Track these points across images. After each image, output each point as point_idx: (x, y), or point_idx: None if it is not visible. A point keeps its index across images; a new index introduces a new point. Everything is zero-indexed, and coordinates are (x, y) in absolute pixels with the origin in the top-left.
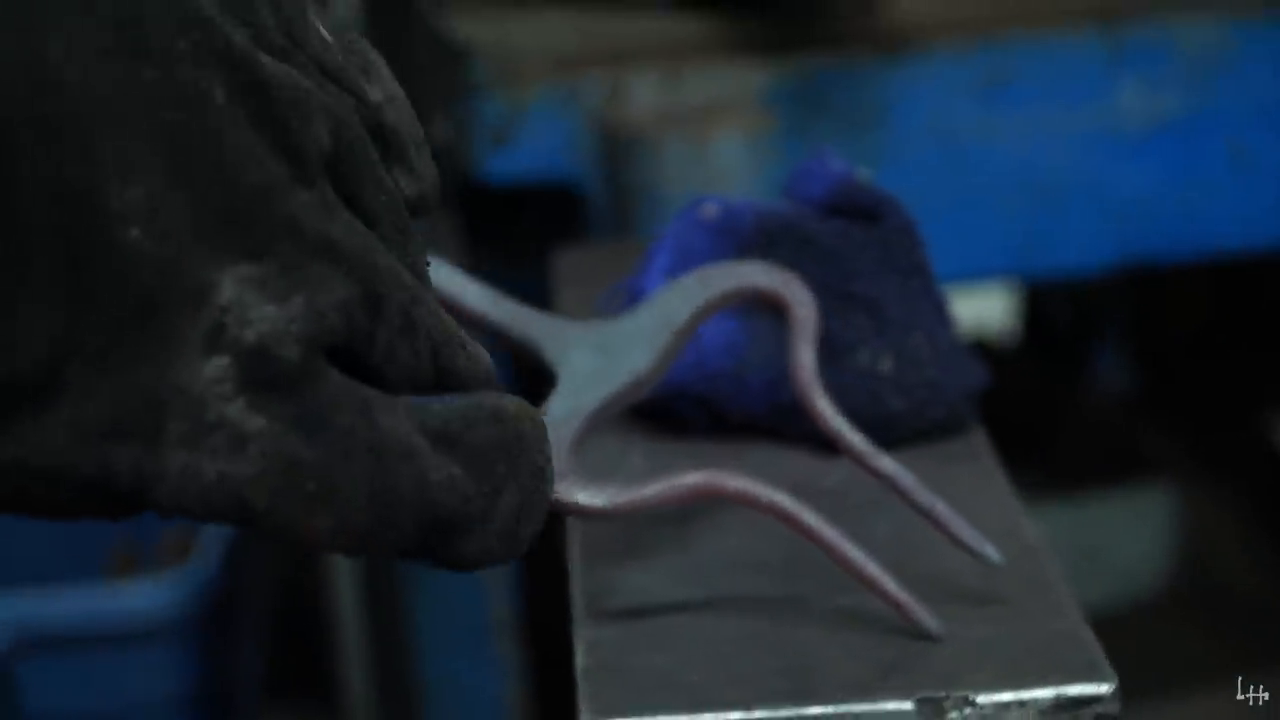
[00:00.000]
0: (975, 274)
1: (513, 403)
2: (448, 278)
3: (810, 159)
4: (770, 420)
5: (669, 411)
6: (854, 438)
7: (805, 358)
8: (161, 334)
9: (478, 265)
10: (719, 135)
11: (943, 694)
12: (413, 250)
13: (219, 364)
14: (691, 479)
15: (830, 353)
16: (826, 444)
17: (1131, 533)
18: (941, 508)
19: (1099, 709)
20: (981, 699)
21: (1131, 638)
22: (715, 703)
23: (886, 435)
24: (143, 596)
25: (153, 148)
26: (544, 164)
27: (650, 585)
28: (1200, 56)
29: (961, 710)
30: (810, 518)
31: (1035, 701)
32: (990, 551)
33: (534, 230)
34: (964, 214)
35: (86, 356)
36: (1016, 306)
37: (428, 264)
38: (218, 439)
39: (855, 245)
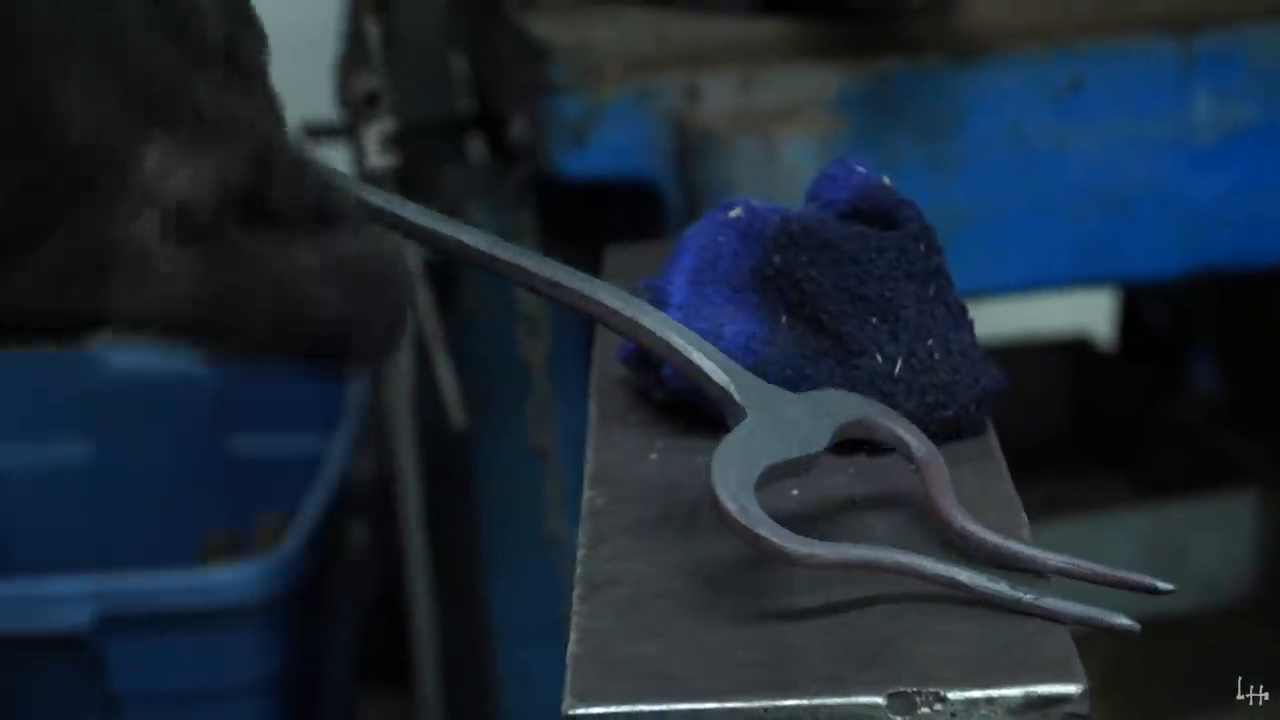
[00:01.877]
0: (1047, 280)
1: (381, 243)
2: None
3: (835, 164)
4: None
5: (691, 408)
6: (991, 537)
7: (955, 516)
8: (102, 197)
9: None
10: (788, 137)
11: (914, 690)
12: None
13: (150, 219)
14: (883, 554)
15: (844, 354)
16: (838, 446)
17: (1217, 538)
18: (1083, 565)
19: (1068, 709)
20: (952, 695)
21: (1213, 642)
22: (694, 693)
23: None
24: (230, 579)
25: (84, 53)
26: (620, 163)
27: (651, 577)
28: (1274, 66)
29: (932, 706)
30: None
31: (1004, 699)
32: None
33: (614, 227)
34: (1036, 221)
35: (45, 221)
36: (1116, 311)
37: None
38: (154, 276)
39: (872, 249)
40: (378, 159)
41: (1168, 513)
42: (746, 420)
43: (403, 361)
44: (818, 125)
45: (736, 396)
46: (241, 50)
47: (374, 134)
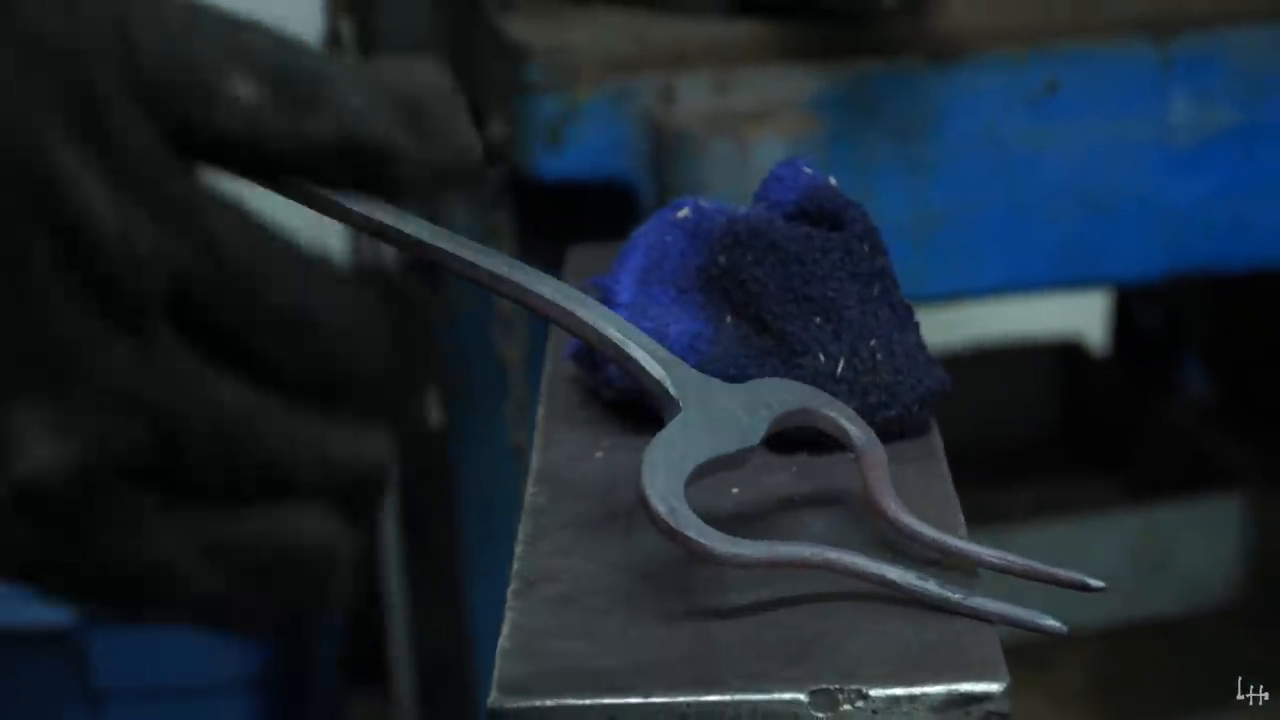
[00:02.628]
0: (1026, 282)
1: (315, 532)
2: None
3: (783, 165)
4: None
5: (636, 406)
6: (926, 530)
7: (889, 503)
8: None
9: (529, 262)
10: (760, 138)
11: (836, 686)
12: (317, 345)
13: None
14: (810, 551)
15: (787, 353)
16: (778, 444)
17: (1204, 539)
18: (1017, 561)
19: (989, 706)
20: (874, 692)
21: (1200, 644)
22: (618, 688)
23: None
24: None
25: None
26: (596, 163)
27: (587, 574)
28: (1252, 68)
29: (854, 703)
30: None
31: (926, 697)
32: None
33: (593, 228)
34: (1014, 223)
35: None
36: (1108, 314)
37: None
38: None
39: (817, 250)
40: None
41: (1155, 515)
42: (680, 416)
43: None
44: (791, 126)
45: (671, 390)
46: (209, 303)
47: None
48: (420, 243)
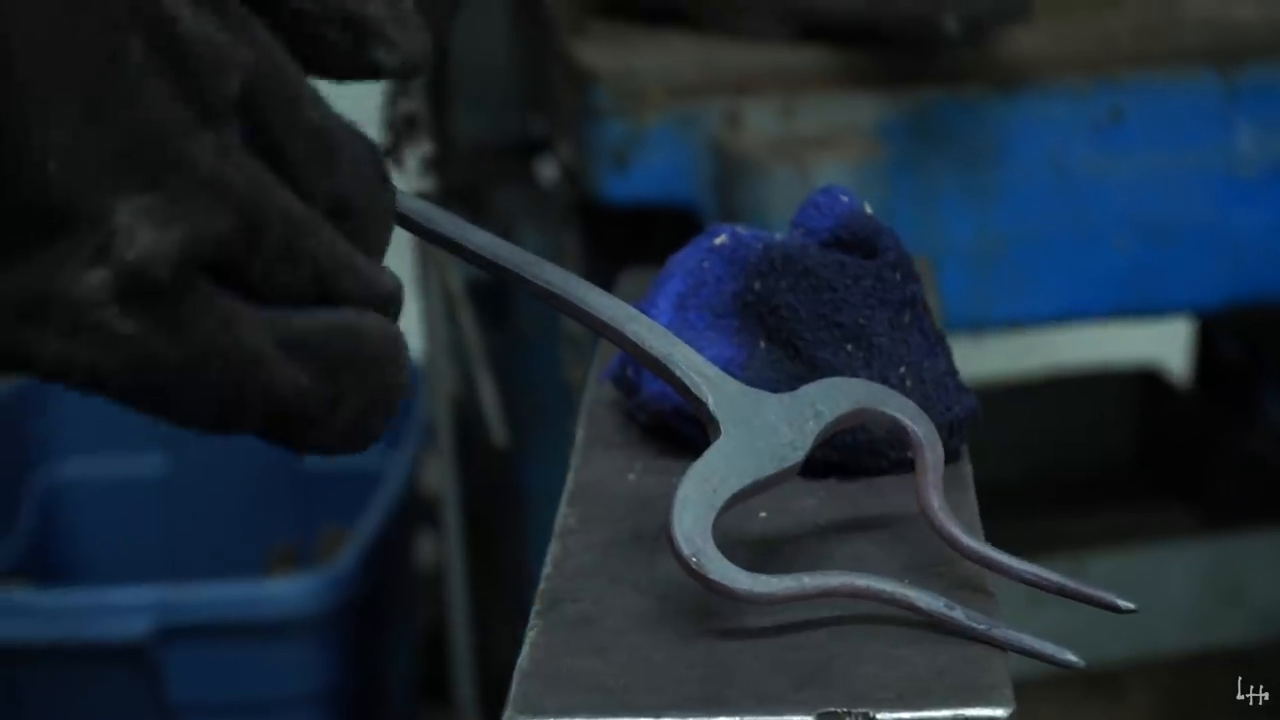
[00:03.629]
0: (1088, 310)
1: (374, 324)
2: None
3: (820, 192)
4: None
5: (670, 431)
6: (983, 549)
7: (933, 500)
8: (62, 248)
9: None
10: (822, 164)
11: (844, 710)
12: (340, 168)
13: (100, 276)
14: (837, 580)
15: (817, 379)
16: (810, 470)
17: (1276, 570)
18: (1051, 578)
19: None
20: (881, 715)
21: (1271, 674)
22: (630, 707)
23: (870, 462)
24: (286, 591)
25: (74, 97)
26: (662, 188)
27: (609, 595)
28: None
29: None
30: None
31: None
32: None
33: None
34: (1077, 251)
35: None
36: (1191, 343)
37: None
38: (91, 336)
39: (850, 277)
40: (418, 180)
41: (1227, 544)
42: (719, 441)
43: (446, 378)
44: (853, 152)
45: (713, 410)
46: (268, 108)
47: (414, 156)
48: (477, 253)
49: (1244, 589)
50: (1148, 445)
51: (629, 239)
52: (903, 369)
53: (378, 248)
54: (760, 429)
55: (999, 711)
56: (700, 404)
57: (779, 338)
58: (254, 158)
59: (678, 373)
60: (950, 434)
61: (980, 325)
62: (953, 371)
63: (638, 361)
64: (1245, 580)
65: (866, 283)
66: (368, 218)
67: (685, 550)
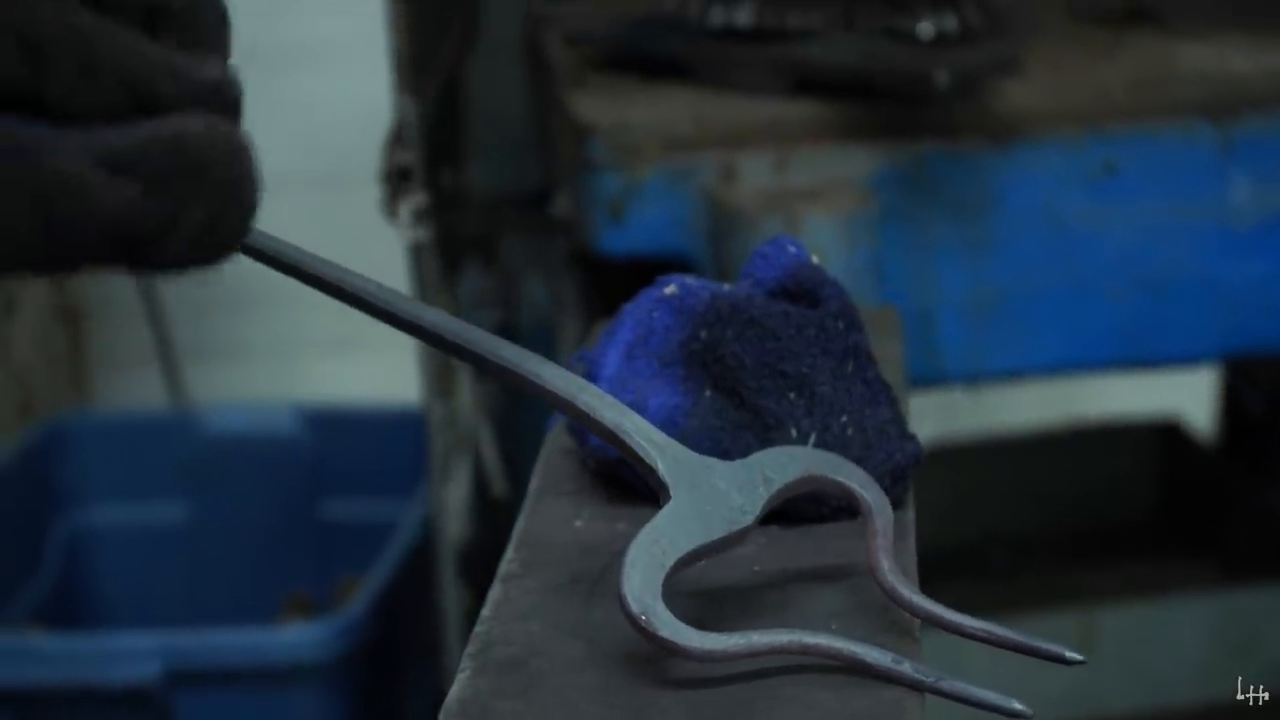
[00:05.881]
0: (1083, 361)
1: (201, 123)
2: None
3: (769, 243)
4: None
5: (617, 477)
6: (936, 610)
7: (884, 563)
8: None
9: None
10: (810, 216)
11: None
12: None
13: None
14: (785, 638)
15: (761, 427)
16: None
17: None
18: (1001, 633)
19: None
20: None
21: None
22: None
23: (812, 509)
24: (296, 638)
25: None
26: (657, 240)
27: (541, 639)
28: None
29: None
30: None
31: None
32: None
33: None
34: (1071, 302)
35: None
36: (1215, 395)
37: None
38: None
39: (794, 326)
40: (411, 231)
41: (1241, 598)
42: (669, 506)
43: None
44: (844, 204)
45: (664, 476)
46: None
47: (406, 208)
48: (430, 331)
49: (1258, 642)
50: (1167, 498)
51: (631, 288)
52: (844, 417)
53: (215, 44)
54: (710, 494)
55: None
56: (650, 470)
57: (724, 385)
58: None
59: (629, 442)
60: (894, 481)
61: (976, 377)
62: (897, 419)
63: (590, 431)
64: (1260, 633)
65: (810, 332)
66: (189, 15)
67: (635, 609)
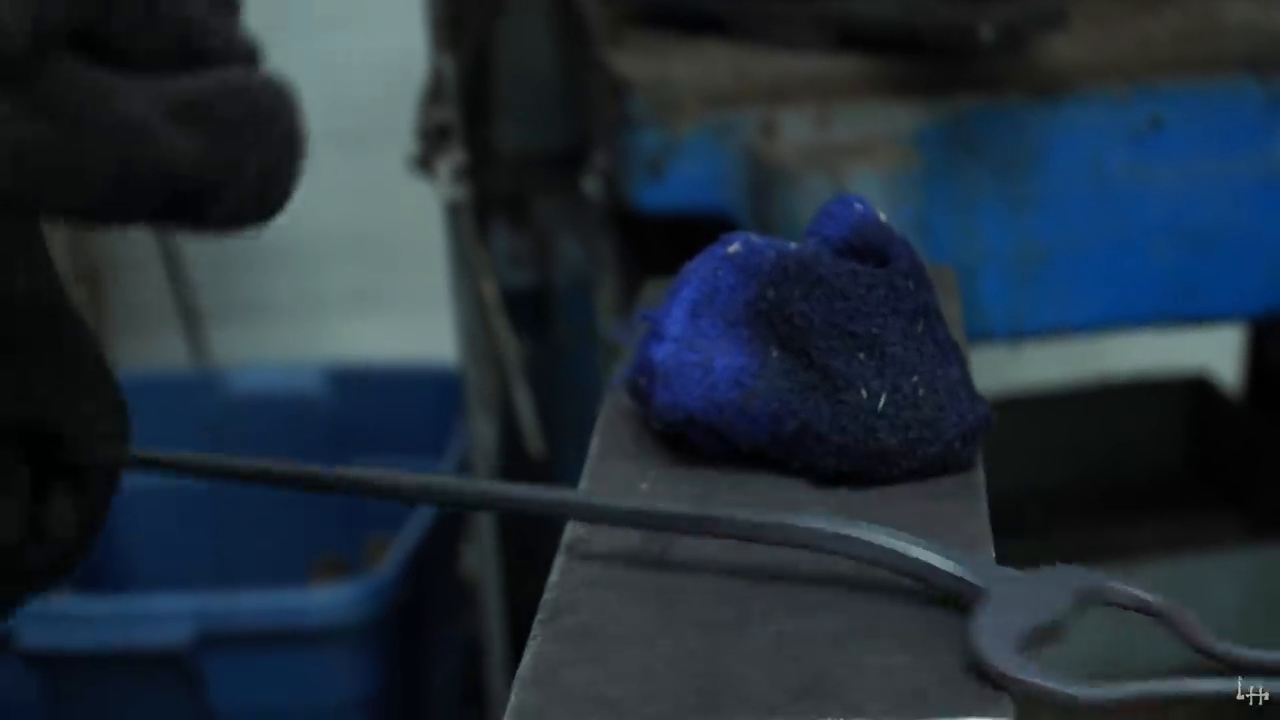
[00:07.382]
0: (1128, 318)
1: (258, 77)
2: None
3: (836, 200)
4: (774, 451)
5: (682, 439)
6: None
7: (1207, 640)
8: None
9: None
10: (854, 173)
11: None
12: None
13: None
14: (1170, 686)
15: (830, 388)
16: (823, 479)
17: None
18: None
19: None
20: None
21: None
22: (624, 715)
23: (882, 470)
24: (327, 600)
25: None
26: (697, 196)
27: (612, 604)
28: None
29: None
30: None
31: None
32: None
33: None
34: (1116, 259)
35: None
36: (1241, 349)
37: None
38: None
39: (863, 285)
40: (450, 189)
41: (1272, 553)
42: (991, 601)
43: (482, 388)
44: (887, 161)
45: (974, 580)
46: None
47: (445, 166)
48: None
49: None
50: (1197, 453)
51: (669, 248)
52: (915, 378)
53: (233, 6)
54: (1023, 591)
55: None
56: (957, 580)
57: (792, 346)
58: None
59: (922, 559)
60: (964, 442)
61: (1019, 334)
62: (966, 380)
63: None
64: None
65: (879, 291)
66: None
67: (1008, 667)
